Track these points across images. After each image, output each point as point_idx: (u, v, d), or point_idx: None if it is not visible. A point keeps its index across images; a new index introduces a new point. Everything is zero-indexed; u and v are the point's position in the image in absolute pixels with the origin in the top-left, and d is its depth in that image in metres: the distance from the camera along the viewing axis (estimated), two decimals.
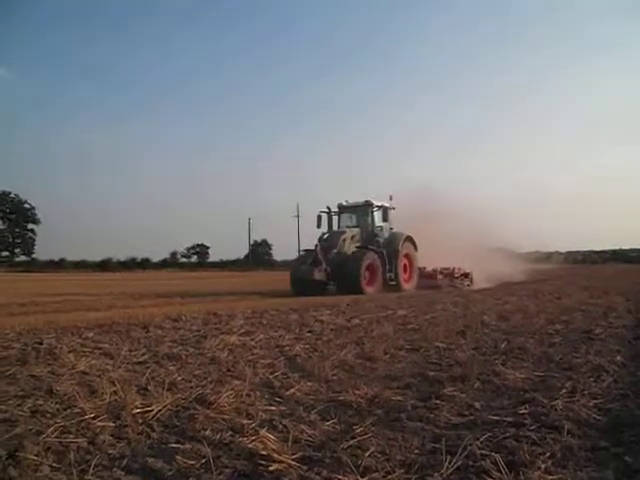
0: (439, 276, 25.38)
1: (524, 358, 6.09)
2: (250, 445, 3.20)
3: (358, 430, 3.51)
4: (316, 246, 21.37)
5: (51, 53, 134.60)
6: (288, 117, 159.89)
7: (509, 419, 3.72)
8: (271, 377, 5.18)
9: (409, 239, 24.21)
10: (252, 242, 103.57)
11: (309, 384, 4.94)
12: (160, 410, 3.88)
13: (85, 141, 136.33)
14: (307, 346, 7.03)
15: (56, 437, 3.23)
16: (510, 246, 35.49)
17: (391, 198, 24.25)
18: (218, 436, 3.39)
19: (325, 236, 22.96)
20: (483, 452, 3.08)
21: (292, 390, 4.69)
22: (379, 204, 23.82)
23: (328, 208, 24.52)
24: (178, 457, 3.02)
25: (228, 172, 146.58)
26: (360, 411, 4.10)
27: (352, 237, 22.55)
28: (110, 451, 3.19)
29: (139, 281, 38.39)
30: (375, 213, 23.77)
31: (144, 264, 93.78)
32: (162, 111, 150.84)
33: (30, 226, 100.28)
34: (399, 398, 4.38)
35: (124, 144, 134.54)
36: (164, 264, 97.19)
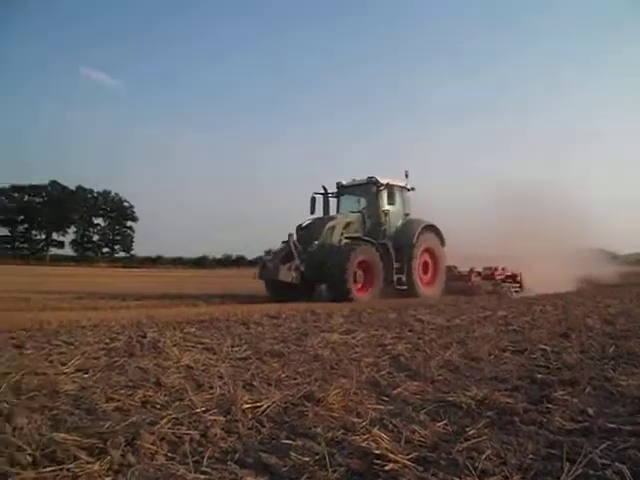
0: (474, 278, 20.66)
1: (635, 364, 5.77)
2: (363, 444, 3.17)
3: (470, 432, 3.41)
4: (290, 236, 16.68)
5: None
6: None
7: (628, 428, 3.51)
8: (376, 376, 5.13)
9: (431, 229, 19.00)
10: None
11: (415, 384, 4.86)
12: (269, 406, 3.91)
13: (185, 144, 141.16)
14: (409, 345, 6.95)
15: (169, 428, 3.32)
16: (609, 247, 33.11)
17: (407, 175, 19.15)
18: (330, 434, 3.38)
19: (304, 224, 17.83)
20: (604, 461, 2.91)
21: (399, 389, 4.62)
22: (386, 182, 18.39)
23: (324, 189, 19.58)
24: (292, 453, 3.03)
25: None
26: (470, 412, 3.99)
27: (346, 225, 17.55)
28: (222, 444, 3.23)
29: (231, 278, 39.22)
30: (382, 193, 18.29)
31: (239, 262, 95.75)
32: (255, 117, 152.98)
33: (129, 224, 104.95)
34: (509, 400, 4.24)
35: (222, 146, 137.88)
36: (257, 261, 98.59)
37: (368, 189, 18.72)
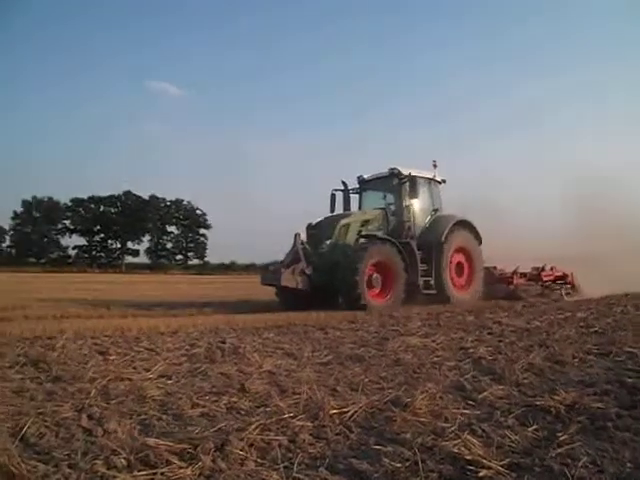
0: (518, 280, 18.09)
1: None
2: (454, 449, 3.11)
3: (562, 438, 3.31)
4: (296, 236, 14.71)
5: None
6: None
7: None
8: (461, 379, 5.04)
9: (464, 225, 16.87)
10: None
11: (500, 387, 4.74)
12: (356, 411, 3.88)
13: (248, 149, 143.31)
14: (490, 348, 6.81)
15: (258, 434, 3.33)
16: None
17: (435, 165, 17.17)
18: (419, 439, 3.32)
19: (315, 222, 15.84)
20: None
21: (484, 393, 4.52)
22: (408, 173, 16.08)
23: (344, 184, 17.51)
24: (384, 459, 3.00)
25: None
26: (560, 417, 3.86)
27: (364, 222, 15.68)
28: (311, 450, 3.23)
29: None
30: (405, 186, 16.03)
31: None
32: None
33: (202, 231, 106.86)
34: (599, 405, 4.08)
35: (290, 152, 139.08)
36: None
37: (389, 182, 16.60)
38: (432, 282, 15.74)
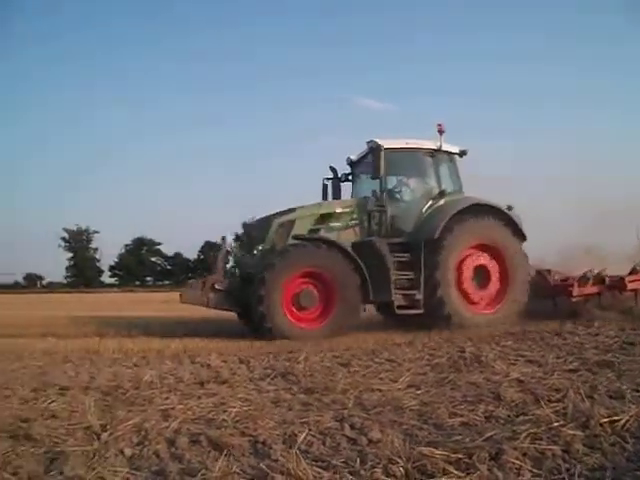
0: (576, 290, 11.40)
1: None
2: None
3: None
4: (222, 240, 11.82)
5: None
6: None
7: None
8: None
9: (488, 212, 11.57)
10: None
11: None
12: (627, 420, 3.66)
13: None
14: None
15: (530, 443, 3.26)
16: None
17: (441, 132, 11.90)
18: None
19: (251, 221, 12.71)
20: None
21: None
22: (393, 146, 11.65)
23: (333, 170, 13.36)
24: None
25: None
26: None
27: (321, 218, 11.59)
28: (587, 461, 3.11)
29: None
30: (380, 163, 11.23)
31: None
32: None
33: None
34: None
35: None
36: None
37: (369, 161, 11.88)
38: (419, 297, 11.01)
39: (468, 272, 11.26)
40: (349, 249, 10.77)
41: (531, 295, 11.61)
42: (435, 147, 11.96)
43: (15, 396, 5.29)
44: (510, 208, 11.93)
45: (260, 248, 11.30)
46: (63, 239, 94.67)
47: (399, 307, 10.97)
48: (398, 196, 12.28)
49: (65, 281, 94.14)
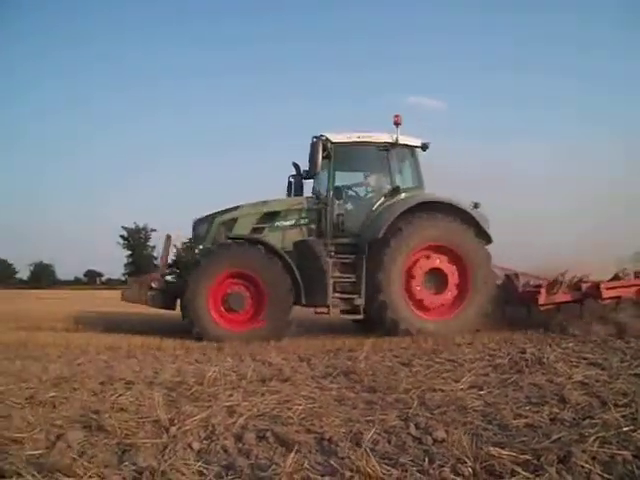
0: (543, 297, 10.06)
1: None
2: None
3: None
4: (167, 238, 11.57)
5: None
6: None
7: None
8: None
9: (447, 210, 10.66)
10: None
11: None
12: None
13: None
14: None
15: (599, 447, 3.25)
16: None
17: (397, 124, 11.05)
18: None
19: (198, 218, 11.91)
20: None
21: None
22: (343, 140, 11.13)
23: (296, 167, 12.56)
24: None
25: None
26: None
27: (264, 216, 11.18)
28: None
29: None
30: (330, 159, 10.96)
31: None
32: None
33: None
34: None
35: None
36: None
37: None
38: (359, 302, 10.45)
39: (419, 276, 10.56)
40: (278, 249, 10.41)
41: (502, 302, 10.90)
42: (391, 140, 11.15)
43: (84, 388, 5.47)
44: (477, 206, 11.11)
45: (201, 247, 11.26)
46: (122, 237, 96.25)
47: (343, 312, 10.67)
48: (348, 193, 11.54)
49: (123, 278, 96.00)
